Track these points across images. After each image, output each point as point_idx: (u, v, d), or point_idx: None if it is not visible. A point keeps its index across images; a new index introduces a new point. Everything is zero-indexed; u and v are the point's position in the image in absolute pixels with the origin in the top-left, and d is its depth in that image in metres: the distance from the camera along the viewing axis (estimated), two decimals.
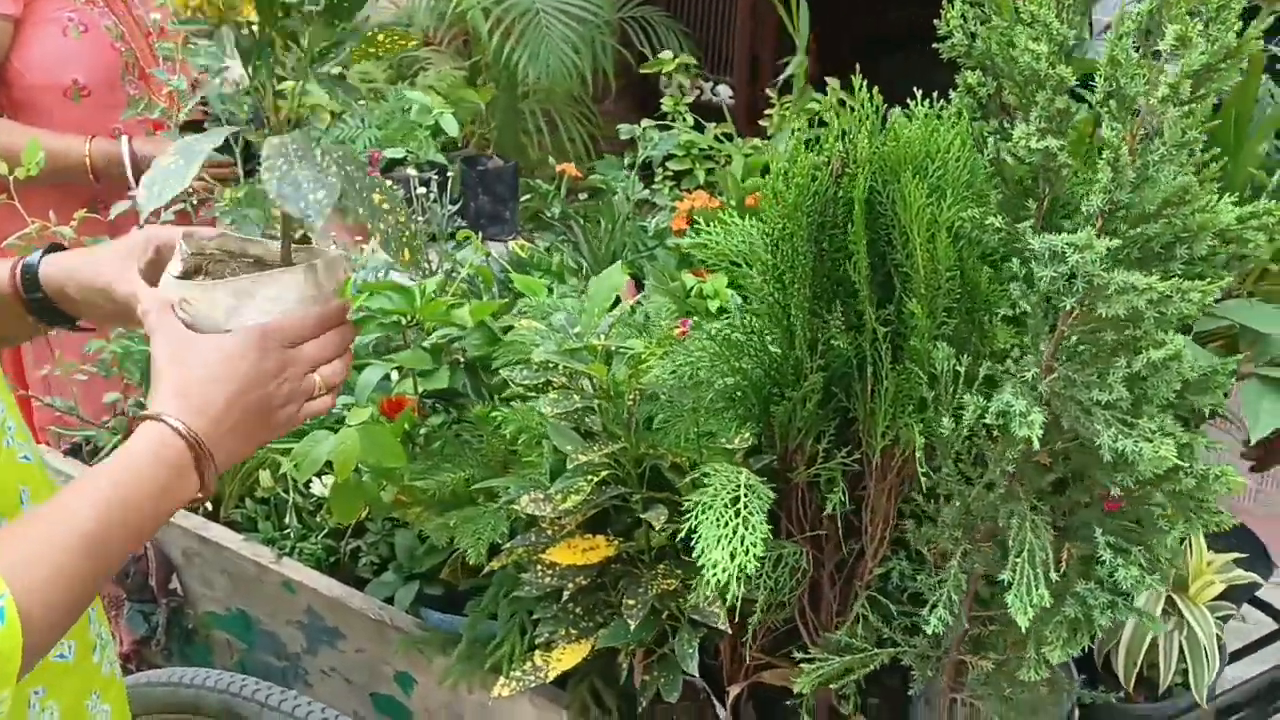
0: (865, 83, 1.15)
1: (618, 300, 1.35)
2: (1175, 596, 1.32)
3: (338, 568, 1.59)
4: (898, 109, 1.17)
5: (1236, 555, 1.35)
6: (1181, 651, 1.30)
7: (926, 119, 1.12)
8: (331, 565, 1.59)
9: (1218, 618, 1.34)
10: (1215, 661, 1.29)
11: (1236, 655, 1.46)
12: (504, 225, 2.27)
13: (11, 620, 0.79)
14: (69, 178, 2.11)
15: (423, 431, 1.48)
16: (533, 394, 1.21)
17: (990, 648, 1.15)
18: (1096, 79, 0.91)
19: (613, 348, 1.15)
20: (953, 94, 1.18)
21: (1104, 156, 0.87)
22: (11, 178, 1.88)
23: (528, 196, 2.39)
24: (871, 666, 1.14)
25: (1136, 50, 0.90)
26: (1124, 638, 1.33)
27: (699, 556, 0.96)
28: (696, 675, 1.18)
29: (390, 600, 1.50)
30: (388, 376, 1.56)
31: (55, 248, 1.12)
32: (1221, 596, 1.37)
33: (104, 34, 2.13)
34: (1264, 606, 1.54)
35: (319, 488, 1.61)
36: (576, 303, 1.38)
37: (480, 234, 1.97)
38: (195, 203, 2.03)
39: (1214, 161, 0.92)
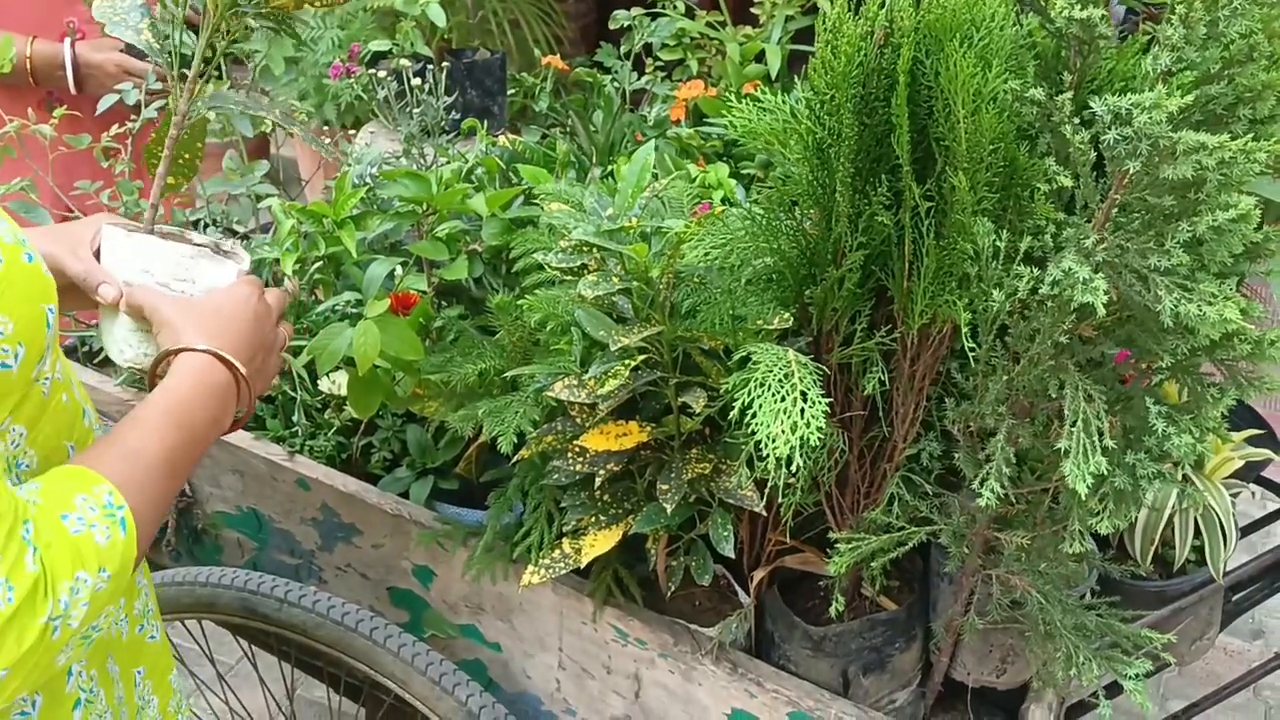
0: None
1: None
2: (1192, 474, 1.34)
3: (349, 465, 1.57)
4: None
5: (1252, 433, 1.37)
6: (1197, 528, 1.33)
7: None
8: (343, 462, 1.57)
9: (1231, 494, 1.36)
10: (1232, 538, 1.31)
11: (1245, 531, 1.49)
12: (493, 119, 2.21)
13: (131, 530, 0.87)
14: (9, 78, 2.03)
15: (438, 325, 1.45)
16: (562, 278, 1.18)
17: (1019, 525, 1.16)
18: None
19: (649, 229, 1.12)
20: None
21: (1176, 12, 0.86)
22: None
23: (514, 91, 2.34)
24: (910, 545, 1.14)
25: None
26: (1140, 516, 1.35)
27: (756, 430, 0.95)
28: (733, 557, 1.18)
29: (405, 496, 1.49)
30: (391, 274, 1.53)
31: None
32: (1232, 475, 1.39)
33: None
34: (1270, 485, 1.57)
35: (327, 384, 1.58)
36: (596, 191, 1.35)
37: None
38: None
39: None
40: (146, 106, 1.92)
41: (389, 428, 1.57)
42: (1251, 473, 1.41)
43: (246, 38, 1.36)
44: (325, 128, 3.09)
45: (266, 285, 1.52)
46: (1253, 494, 1.46)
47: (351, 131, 3.13)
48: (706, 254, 1.12)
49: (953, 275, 1.08)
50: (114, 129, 1.92)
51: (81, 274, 1.09)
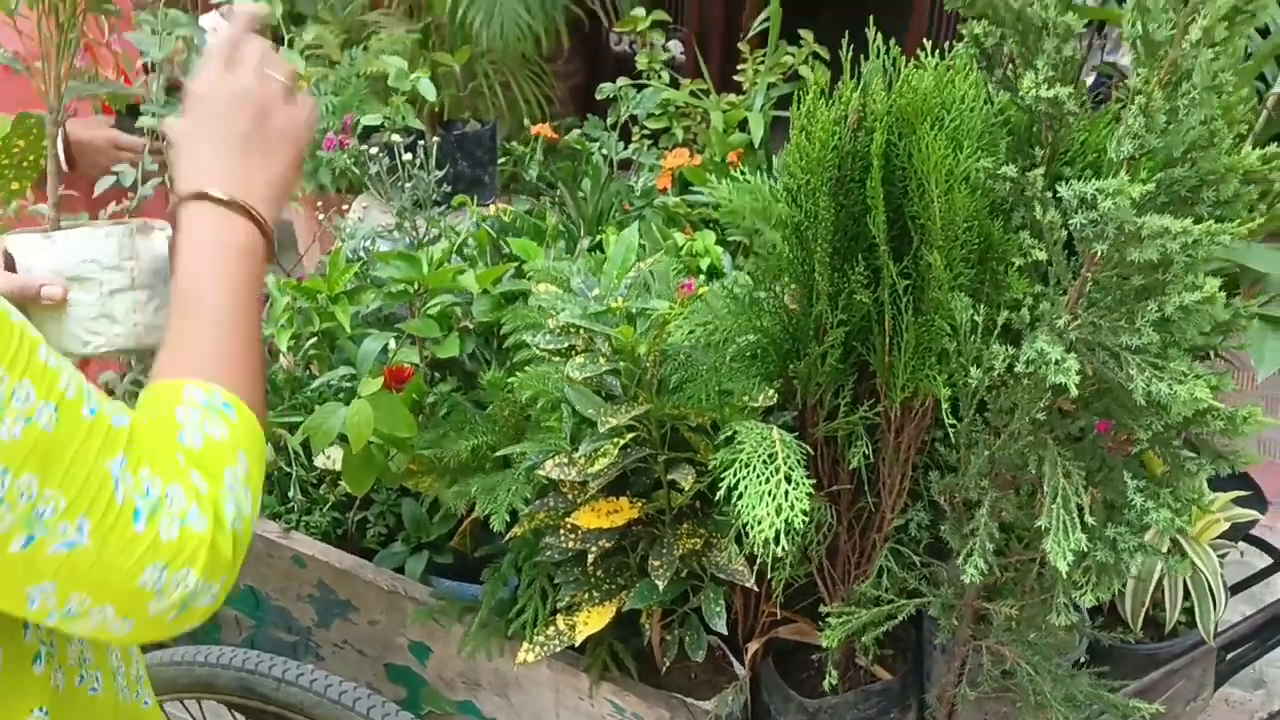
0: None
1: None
2: (1179, 537, 1.35)
3: (345, 540, 1.58)
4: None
5: (1237, 494, 1.39)
6: (1186, 590, 1.34)
7: (939, 71, 1.13)
8: (339, 538, 1.58)
9: (1219, 555, 1.37)
10: (1220, 599, 1.32)
11: (1234, 590, 1.50)
12: (484, 189, 2.25)
13: (237, 404, 0.86)
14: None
15: (430, 400, 1.47)
16: (551, 358, 1.20)
17: (1008, 594, 1.18)
18: (1122, 25, 0.91)
19: (634, 309, 1.15)
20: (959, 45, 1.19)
21: (1134, 103, 0.88)
22: None
23: (503, 160, 2.37)
24: (899, 618, 1.15)
25: None
26: (1130, 580, 1.36)
27: (740, 513, 0.97)
28: (725, 632, 1.19)
29: (401, 570, 1.50)
30: (385, 347, 1.55)
31: None
32: (1219, 536, 1.41)
33: (44, 3, 2.08)
34: (1259, 543, 1.59)
35: (322, 460, 1.60)
36: (586, 264, 1.38)
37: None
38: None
39: (1242, 104, 0.94)
40: (143, 184, 1.95)
41: (384, 502, 1.58)
42: (1239, 533, 1.42)
43: None
44: (320, 191, 3.14)
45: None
46: (1240, 553, 1.47)
47: (348, 196, 3.17)
48: (691, 332, 1.14)
49: (932, 350, 1.10)
50: (110, 207, 1.95)
51: (16, 287, 1.09)
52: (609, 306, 1.15)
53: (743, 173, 1.76)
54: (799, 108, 1.09)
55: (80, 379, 0.77)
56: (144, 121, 2.00)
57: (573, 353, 1.16)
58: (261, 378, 0.94)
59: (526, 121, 4.13)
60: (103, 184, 1.95)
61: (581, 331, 1.16)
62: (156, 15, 1.96)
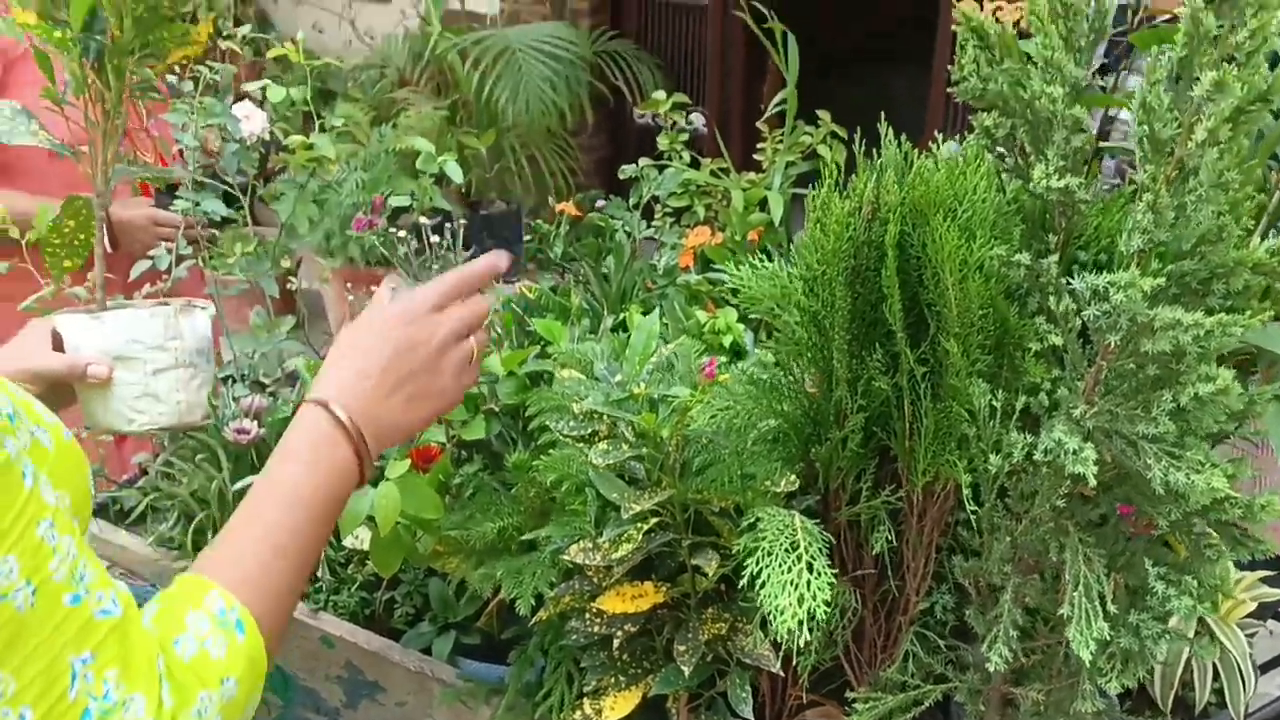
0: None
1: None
2: (1207, 617, 1.35)
3: (373, 620, 1.59)
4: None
5: (1264, 574, 1.38)
6: (1216, 671, 1.33)
7: (950, 164, 1.15)
8: (367, 618, 1.59)
9: (1247, 635, 1.37)
10: (1250, 679, 1.31)
11: (1264, 669, 1.49)
12: (510, 268, 2.28)
13: (251, 627, 0.85)
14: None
15: (457, 481, 1.49)
16: (575, 443, 1.22)
17: (1035, 678, 1.17)
18: (1131, 123, 0.94)
19: (656, 396, 1.17)
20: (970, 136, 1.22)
21: (1143, 199, 0.90)
22: (25, 242, 1.88)
23: (529, 238, 2.42)
24: (926, 703, 1.16)
25: (1167, 93, 0.93)
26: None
27: (762, 602, 0.98)
28: (752, 717, 1.20)
29: (428, 651, 1.51)
30: None
31: None
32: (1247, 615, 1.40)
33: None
34: None
35: (351, 540, 1.61)
36: (607, 347, 1.40)
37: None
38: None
39: (1248, 200, 0.96)
40: (177, 266, 2.00)
41: (411, 582, 1.60)
42: (1267, 612, 1.41)
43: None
44: (350, 264, 3.19)
45: None
46: (1270, 631, 1.46)
47: (377, 269, 3.22)
48: (713, 417, 1.16)
49: (952, 436, 1.11)
50: (145, 288, 2.00)
51: (64, 366, 1.13)
52: (631, 393, 1.17)
53: (764, 250, 1.79)
54: (814, 199, 1.11)
55: (80, 561, 0.76)
56: (180, 205, 2.06)
57: (596, 438, 1.18)
58: (293, 602, 0.93)
59: (552, 196, 4.21)
60: (139, 268, 2.00)
61: (605, 417, 1.18)
62: (192, 104, 2.03)
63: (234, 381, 1.99)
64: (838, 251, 1.09)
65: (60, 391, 1.14)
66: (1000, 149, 1.19)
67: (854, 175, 1.16)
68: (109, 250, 2.18)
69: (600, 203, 2.83)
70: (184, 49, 1.21)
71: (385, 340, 1.01)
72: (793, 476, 1.14)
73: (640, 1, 4.69)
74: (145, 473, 1.83)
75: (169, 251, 2.04)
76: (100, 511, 1.84)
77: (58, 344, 1.17)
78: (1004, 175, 1.20)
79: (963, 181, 1.11)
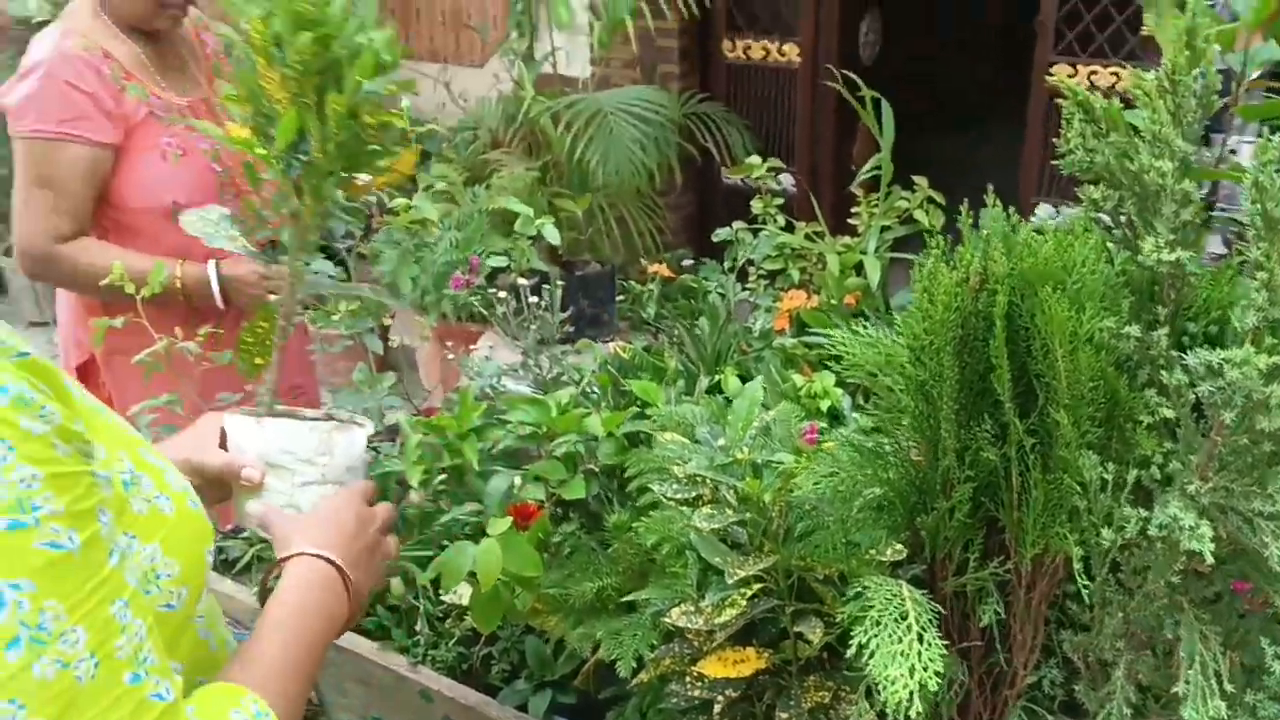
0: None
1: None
2: None
3: (470, 675, 1.61)
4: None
5: None
6: None
7: (1058, 235, 1.16)
8: (464, 672, 1.62)
9: None
10: None
11: None
12: (603, 327, 2.33)
13: None
14: (162, 297, 2.20)
15: (556, 539, 1.52)
16: (677, 505, 1.24)
17: None
18: (1242, 201, 0.94)
19: (759, 461, 1.18)
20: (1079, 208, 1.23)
21: (1258, 277, 0.90)
22: (139, 298, 1.97)
23: (622, 298, 2.46)
24: None
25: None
26: None
27: (870, 671, 0.98)
28: None
29: (524, 707, 1.52)
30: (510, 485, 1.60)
31: None
32: None
33: (201, 157, 2.24)
34: None
35: (450, 595, 1.64)
36: (706, 410, 1.42)
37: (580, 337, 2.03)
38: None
39: None
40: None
41: (509, 639, 1.62)
42: None
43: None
44: (443, 320, 3.26)
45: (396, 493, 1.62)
46: None
47: (468, 326, 3.29)
48: (817, 484, 1.17)
49: (1062, 508, 1.11)
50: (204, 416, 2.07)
51: (221, 465, 1.20)
52: (735, 458, 1.19)
53: (861, 314, 1.80)
54: (921, 269, 1.13)
55: (147, 645, 0.81)
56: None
57: (700, 502, 1.20)
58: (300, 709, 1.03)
59: (641, 255, 4.27)
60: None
61: (708, 481, 1.20)
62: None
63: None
64: (945, 321, 1.10)
65: (218, 487, 1.21)
66: (1108, 220, 1.20)
67: (956, 241, 1.17)
68: (221, 306, 2.28)
69: (687, 261, 2.87)
70: (386, 176, 1.27)
71: (344, 517, 1.17)
72: (899, 545, 1.14)
73: (729, 65, 4.75)
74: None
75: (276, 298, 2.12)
76: None
77: (224, 441, 1.24)
78: (1111, 246, 1.20)
79: (1071, 253, 1.12)
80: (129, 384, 2.25)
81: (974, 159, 6.33)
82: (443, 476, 1.71)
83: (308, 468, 1.19)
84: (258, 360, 1.40)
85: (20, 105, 2.09)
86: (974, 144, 6.77)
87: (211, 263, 2.26)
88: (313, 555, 1.11)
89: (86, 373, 2.36)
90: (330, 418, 1.27)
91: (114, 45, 2.15)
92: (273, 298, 2.11)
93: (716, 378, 1.82)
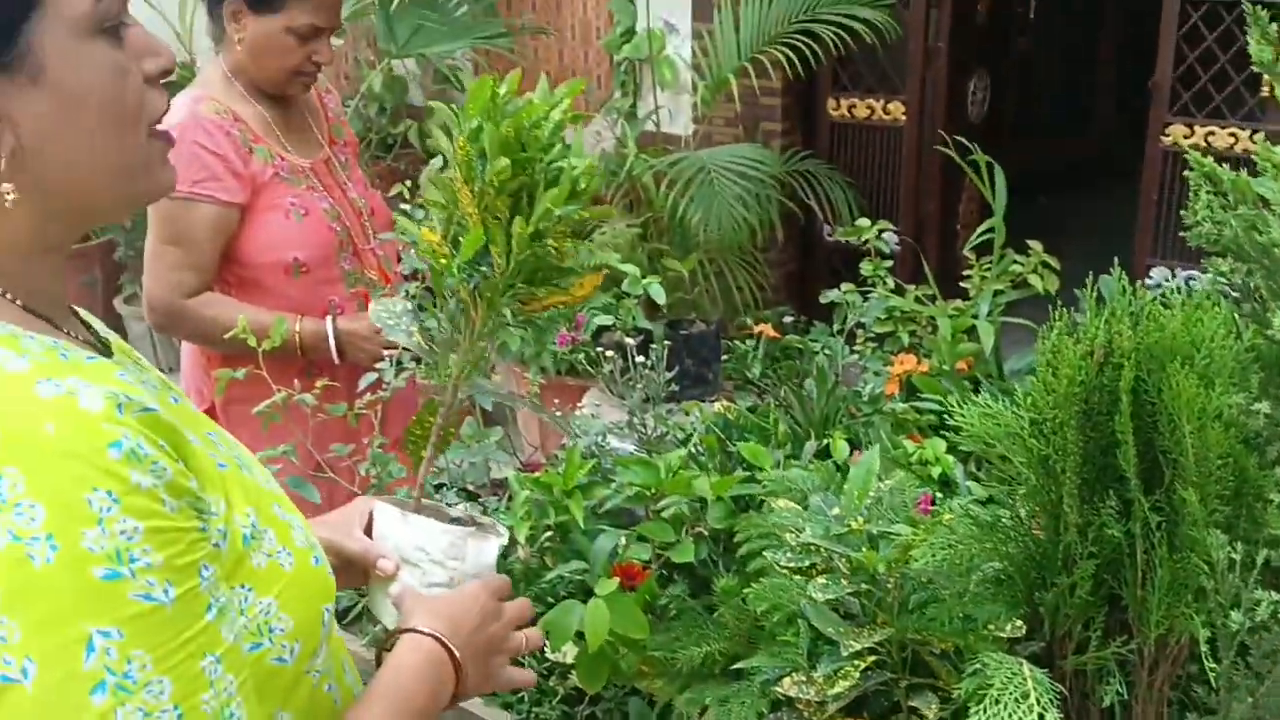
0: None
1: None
2: None
3: None
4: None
5: None
6: None
7: (1186, 308, 1.14)
8: None
9: None
10: None
11: None
12: (707, 386, 2.34)
13: None
14: (279, 351, 2.25)
15: (662, 602, 1.52)
16: (790, 574, 1.24)
17: None
18: None
19: (875, 531, 1.17)
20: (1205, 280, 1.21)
21: None
22: (260, 350, 2.03)
23: (727, 358, 2.47)
24: None
25: None
26: None
27: None
28: None
29: None
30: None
31: None
32: None
33: (322, 216, 2.31)
34: None
35: (556, 654, 1.65)
36: (818, 477, 1.42)
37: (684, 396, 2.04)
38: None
39: None
40: (396, 377, 2.12)
41: (613, 699, 1.62)
42: None
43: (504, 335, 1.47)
44: (543, 373, 3.30)
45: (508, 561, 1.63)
46: None
47: (568, 380, 3.33)
48: (935, 557, 1.16)
49: (1188, 588, 1.08)
50: (366, 397, 2.12)
51: (360, 552, 1.21)
52: (850, 527, 1.18)
53: (973, 380, 1.78)
54: (1044, 342, 1.12)
55: (235, 702, 0.83)
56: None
57: (813, 571, 1.19)
58: None
59: (741, 310, 4.28)
60: (365, 380, 2.13)
61: (822, 550, 1.19)
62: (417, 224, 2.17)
63: (445, 489, 2.08)
64: (1069, 395, 1.08)
65: (357, 571, 1.24)
66: (1235, 293, 1.17)
67: (1070, 301, 1.16)
68: (336, 361, 2.34)
69: (788, 318, 2.86)
70: (566, 296, 1.27)
71: (471, 607, 1.16)
72: (1018, 621, 1.12)
73: (833, 122, 4.76)
74: None
75: (391, 363, 2.18)
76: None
77: (371, 526, 1.26)
78: (1240, 320, 1.18)
79: (1199, 327, 1.10)
80: (243, 433, 2.31)
81: (1087, 218, 6.24)
82: (549, 533, 1.73)
83: (437, 569, 1.20)
84: (423, 453, 1.42)
85: None
86: (1087, 202, 6.66)
87: (329, 318, 2.32)
88: (427, 634, 1.11)
89: None
90: (473, 520, 1.28)
91: (243, 109, 2.24)
92: (388, 354, 2.16)
93: (824, 441, 1.81)
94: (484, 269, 1.17)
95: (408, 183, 2.38)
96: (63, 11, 0.83)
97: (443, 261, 1.20)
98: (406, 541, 1.21)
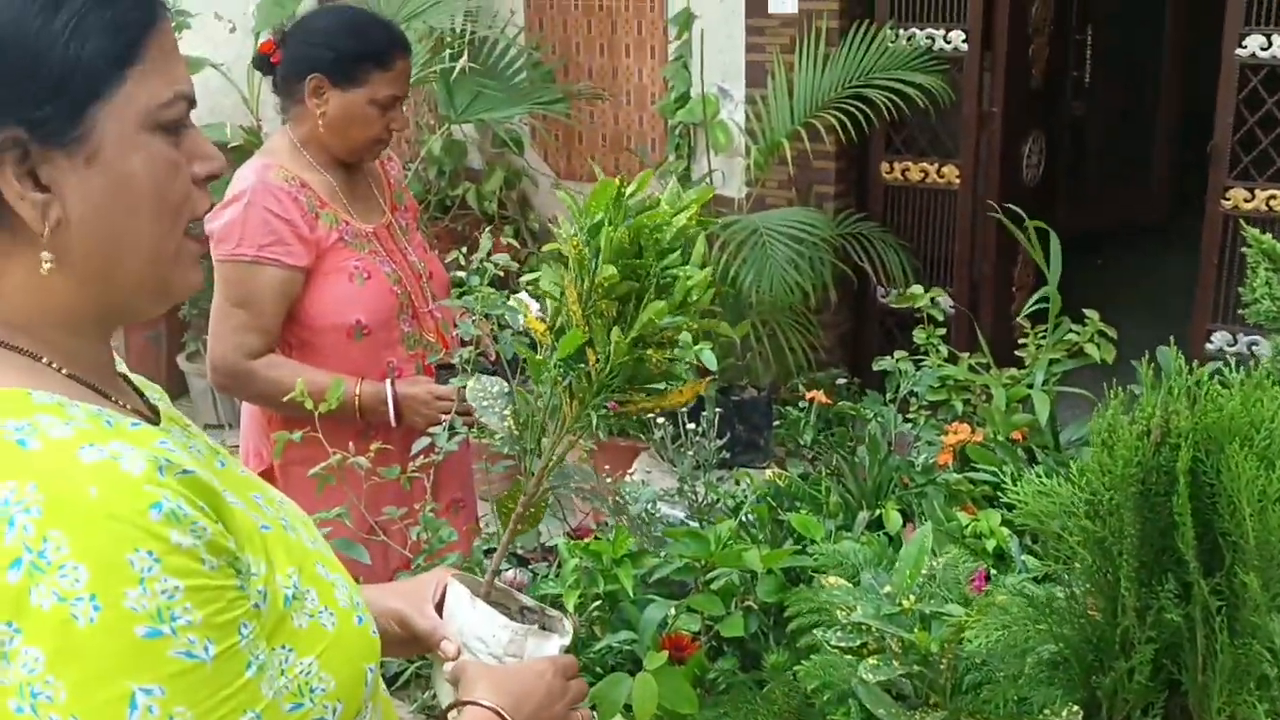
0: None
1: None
2: None
3: None
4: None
5: None
6: None
7: (1245, 387, 1.12)
8: None
9: None
10: None
11: None
12: (759, 452, 2.33)
13: None
14: (338, 414, 2.27)
15: (710, 676, 1.51)
16: (841, 653, 1.22)
17: None
18: None
19: (927, 611, 1.16)
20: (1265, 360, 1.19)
21: None
22: (317, 413, 2.06)
23: (777, 423, 2.46)
24: None
25: None
26: None
27: None
28: None
29: None
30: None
31: None
32: None
33: (384, 279, 2.35)
34: None
35: None
36: (869, 551, 1.40)
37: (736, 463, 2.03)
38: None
39: None
40: (449, 440, 2.13)
41: None
42: None
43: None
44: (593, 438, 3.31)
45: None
46: None
47: (619, 441, 3.33)
48: (989, 640, 1.14)
49: (1250, 674, 1.05)
50: (419, 460, 2.14)
51: (427, 631, 1.21)
52: (901, 606, 1.17)
53: (1028, 451, 1.76)
54: (1100, 421, 1.10)
55: None
56: (457, 384, 2.21)
57: (864, 651, 1.18)
58: None
59: (793, 372, 4.26)
60: (418, 445, 2.15)
61: (874, 630, 1.18)
62: (476, 295, 2.20)
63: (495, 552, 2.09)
64: (1126, 476, 1.07)
65: (423, 646, 1.24)
66: None
67: (1126, 365, 1.14)
68: (393, 424, 2.36)
69: (840, 381, 2.85)
70: (663, 402, 1.24)
71: (536, 684, 1.15)
72: (1075, 706, 1.09)
73: (887, 185, 4.76)
74: None
75: (444, 427, 2.19)
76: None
77: (438, 600, 1.26)
78: None
79: (1259, 409, 1.08)
80: (301, 494, 2.34)
81: (1145, 281, 6.16)
82: (597, 602, 1.72)
83: (495, 663, 1.19)
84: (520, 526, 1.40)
85: (224, 230, 2.25)
86: (1145, 265, 6.58)
87: (388, 381, 2.34)
88: (489, 707, 1.11)
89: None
90: (544, 611, 1.28)
91: (310, 176, 2.30)
92: (444, 418, 2.17)
93: (877, 512, 1.79)
94: (582, 367, 1.15)
95: (464, 249, 2.41)
96: (132, 103, 0.86)
97: (539, 358, 1.19)
98: (470, 628, 1.21)
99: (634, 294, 1.14)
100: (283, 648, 0.89)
